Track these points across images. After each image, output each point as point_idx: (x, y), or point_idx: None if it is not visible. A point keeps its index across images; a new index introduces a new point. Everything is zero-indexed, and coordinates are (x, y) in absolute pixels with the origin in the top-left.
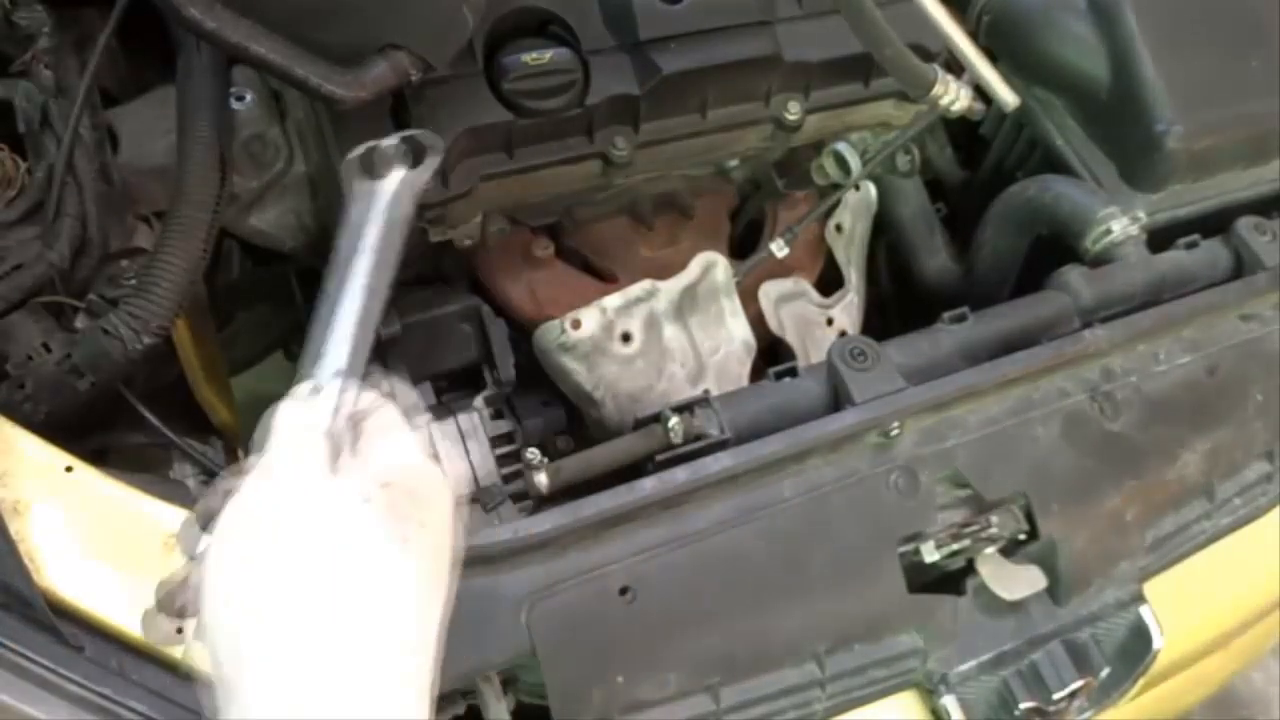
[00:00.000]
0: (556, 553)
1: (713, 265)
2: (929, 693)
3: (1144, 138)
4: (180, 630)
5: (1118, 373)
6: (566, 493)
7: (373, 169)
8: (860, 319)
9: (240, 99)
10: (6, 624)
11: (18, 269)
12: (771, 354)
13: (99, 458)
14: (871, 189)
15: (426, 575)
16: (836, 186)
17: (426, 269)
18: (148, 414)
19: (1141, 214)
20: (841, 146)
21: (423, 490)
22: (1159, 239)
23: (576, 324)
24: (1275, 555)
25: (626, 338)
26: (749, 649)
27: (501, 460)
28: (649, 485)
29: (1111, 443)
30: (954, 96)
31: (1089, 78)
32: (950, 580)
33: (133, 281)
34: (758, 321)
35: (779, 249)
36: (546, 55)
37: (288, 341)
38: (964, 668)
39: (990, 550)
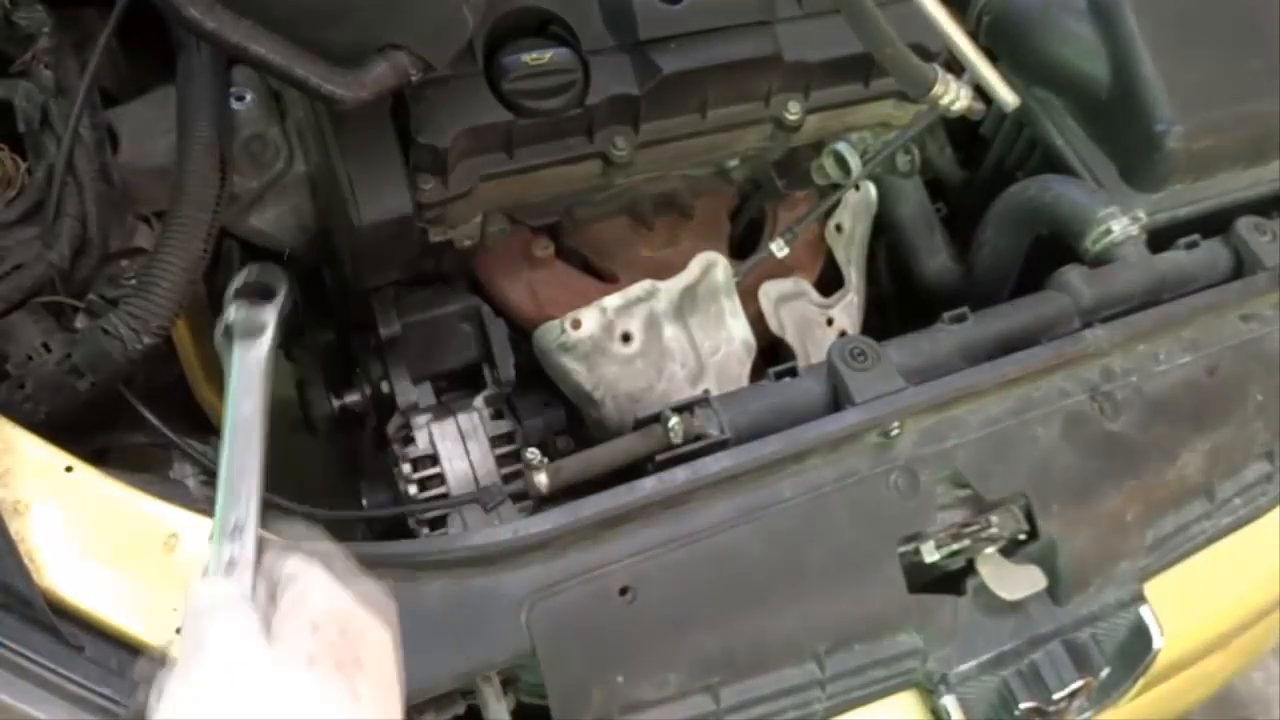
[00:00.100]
0: (556, 553)
1: (713, 265)
2: (929, 693)
3: (1144, 138)
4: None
5: (1118, 373)
6: (566, 493)
7: (233, 336)
8: (860, 319)
9: (240, 99)
10: (6, 624)
11: (18, 269)
12: (771, 354)
13: (99, 458)
14: (871, 189)
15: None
16: (836, 186)
17: (427, 269)
18: (148, 414)
19: (1141, 214)
20: (841, 146)
21: (354, 627)
22: (1159, 239)
23: (576, 324)
24: (1275, 555)
25: (626, 338)
26: (749, 649)
27: (501, 460)
28: (649, 485)
29: (1111, 443)
30: (954, 96)
31: (1089, 78)
32: (950, 580)
33: (133, 281)
34: (758, 321)
35: (779, 249)
36: (546, 55)
37: (288, 341)
38: (964, 668)
39: (990, 550)
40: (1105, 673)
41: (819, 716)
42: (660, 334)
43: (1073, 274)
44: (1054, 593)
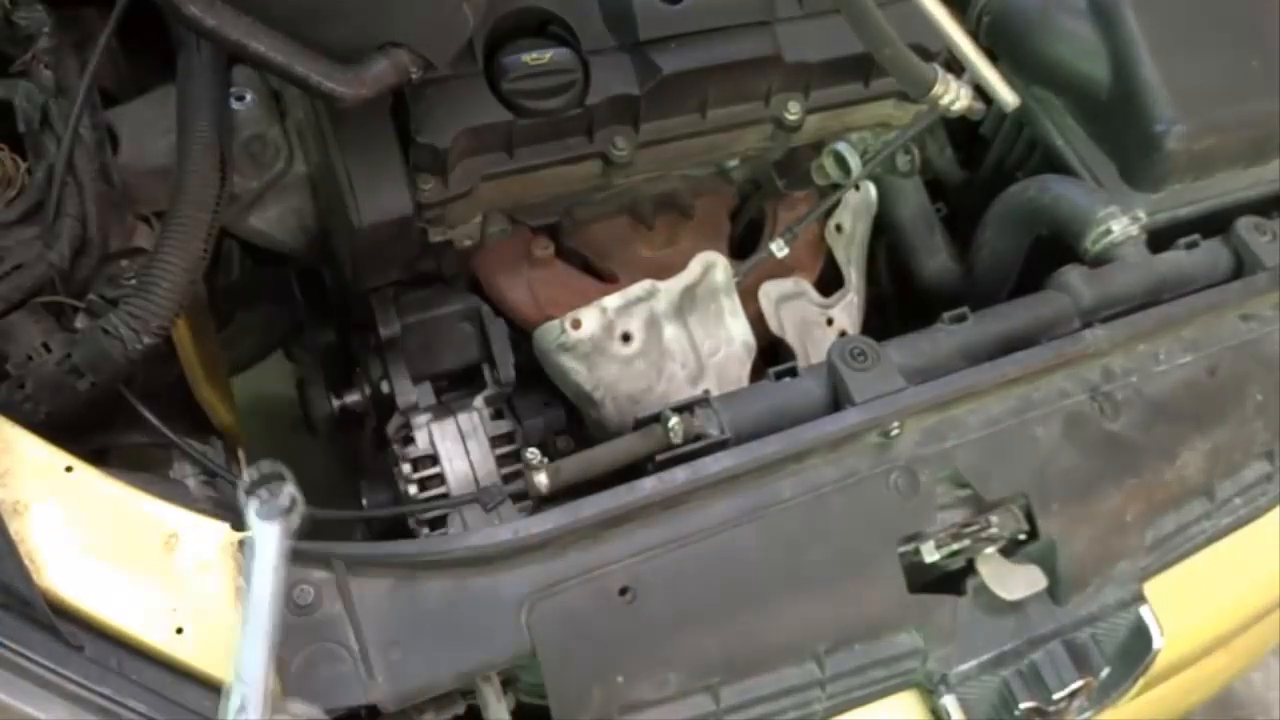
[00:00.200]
0: (556, 553)
1: (713, 265)
2: (929, 693)
3: (1144, 138)
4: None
5: (1118, 373)
6: (566, 493)
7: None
8: (860, 319)
9: (240, 99)
10: (6, 624)
11: (18, 269)
12: (771, 354)
13: (99, 458)
14: (871, 189)
15: None
16: (836, 186)
17: (427, 269)
18: (148, 414)
19: (1141, 214)
20: (841, 146)
21: None
22: (1159, 239)
23: (576, 324)
24: (1275, 555)
25: (626, 338)
26: (749, 649)
27: (501, 460)
28: (649, 485)
29: (1112, 443)
30: (954, 96)
31: (1089, 78)
32: (950, 580)
33: (133, 281)
34: (758, 321)
35: (779, 249)
36: (546, 55)
37: (288, 341)
38: (964, 668)
39: (990, 550)
40: (1105, 673)
41: (819, 716)
42: (660, 334)
43: (1073, 274)
44: (1054, 593)
